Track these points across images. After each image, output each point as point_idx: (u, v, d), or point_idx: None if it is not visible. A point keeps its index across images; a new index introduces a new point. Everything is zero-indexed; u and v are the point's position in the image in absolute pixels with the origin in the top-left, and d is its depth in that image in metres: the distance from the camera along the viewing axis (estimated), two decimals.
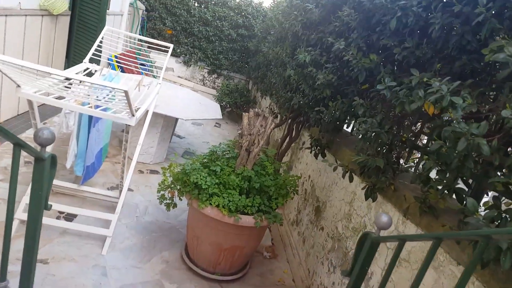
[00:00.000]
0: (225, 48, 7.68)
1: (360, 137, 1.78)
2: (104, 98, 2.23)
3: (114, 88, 1.84)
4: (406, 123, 1.80)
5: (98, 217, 2.70)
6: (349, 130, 2.87)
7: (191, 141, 5.26)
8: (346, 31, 2.20)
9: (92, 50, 2.95)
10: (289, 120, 3.48)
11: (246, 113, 2.44)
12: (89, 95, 2.25)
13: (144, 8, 7.27)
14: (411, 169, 1.85)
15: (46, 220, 2.58)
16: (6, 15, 3.36)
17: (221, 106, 6.93)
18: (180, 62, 7.87)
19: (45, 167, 1.18)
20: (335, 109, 2.19)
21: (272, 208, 2.46)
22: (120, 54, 4.42)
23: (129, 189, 3.41)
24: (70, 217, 2.74)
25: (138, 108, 2.29)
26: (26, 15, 3.64)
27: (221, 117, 4.03)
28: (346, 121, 2.61)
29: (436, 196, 1.40)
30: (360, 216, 2.03)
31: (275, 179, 2.59)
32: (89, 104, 2.10)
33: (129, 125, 2.27)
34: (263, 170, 2.54)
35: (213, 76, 7.95)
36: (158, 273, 2.43)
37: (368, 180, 1.82)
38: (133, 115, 2.01)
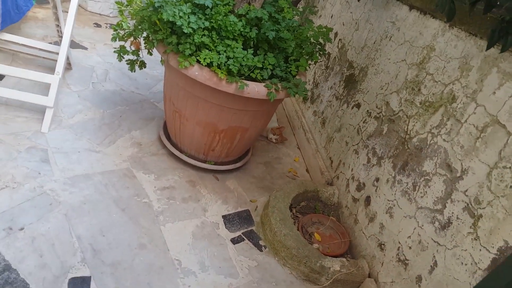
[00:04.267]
0: None
1: None
2: None
3: None
4: None
5: (34, 80, 1.86)
6: None
7: None
8: None
9: None
10: None
11: None
12: None
13: None
14: None
15: None
16: None
17: None
18: None
19: None
20: None
21: (292, 73, 1.65)
22: None
23: (82, 47, 2.46)
24: None
25: None
26: None
27: None
28: None
29: None
30: (441, 84, 1.27)
31: (296, 30, 1.71)
32: None
33: None
34: (278, 14, 1.63)
35: None
36: (127, 159, 1.75)
37: (487, 13, 0.98)
38: None
